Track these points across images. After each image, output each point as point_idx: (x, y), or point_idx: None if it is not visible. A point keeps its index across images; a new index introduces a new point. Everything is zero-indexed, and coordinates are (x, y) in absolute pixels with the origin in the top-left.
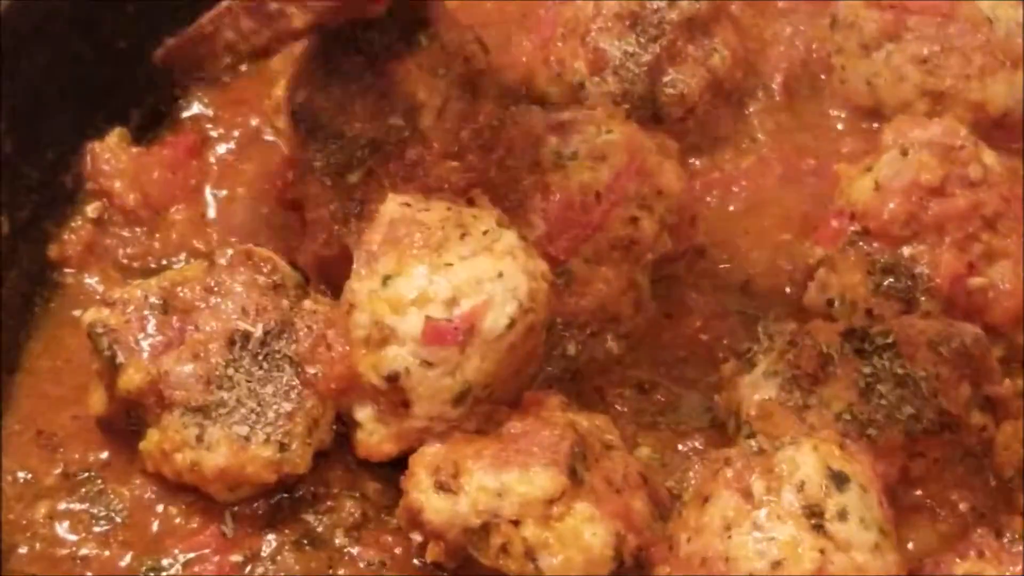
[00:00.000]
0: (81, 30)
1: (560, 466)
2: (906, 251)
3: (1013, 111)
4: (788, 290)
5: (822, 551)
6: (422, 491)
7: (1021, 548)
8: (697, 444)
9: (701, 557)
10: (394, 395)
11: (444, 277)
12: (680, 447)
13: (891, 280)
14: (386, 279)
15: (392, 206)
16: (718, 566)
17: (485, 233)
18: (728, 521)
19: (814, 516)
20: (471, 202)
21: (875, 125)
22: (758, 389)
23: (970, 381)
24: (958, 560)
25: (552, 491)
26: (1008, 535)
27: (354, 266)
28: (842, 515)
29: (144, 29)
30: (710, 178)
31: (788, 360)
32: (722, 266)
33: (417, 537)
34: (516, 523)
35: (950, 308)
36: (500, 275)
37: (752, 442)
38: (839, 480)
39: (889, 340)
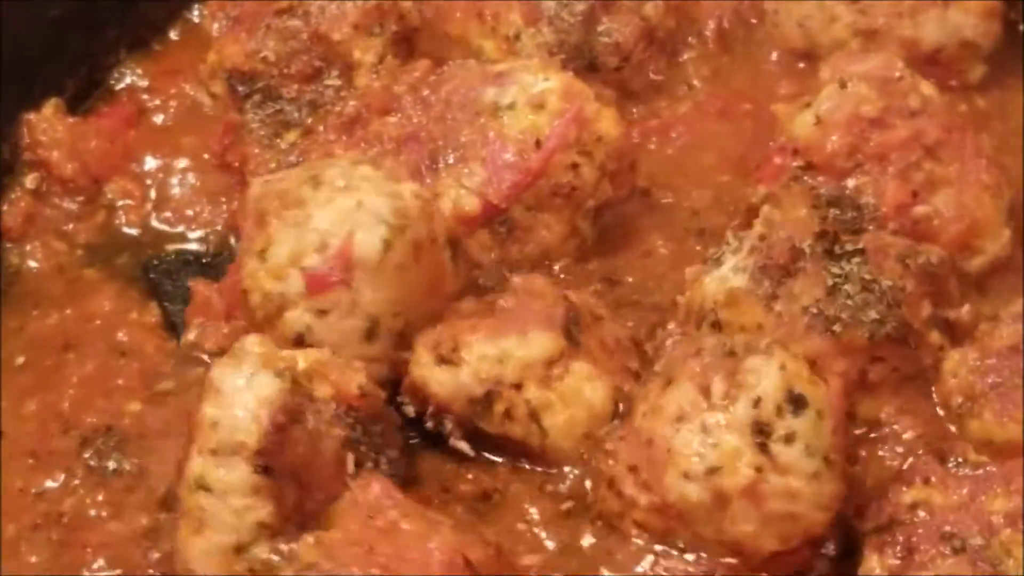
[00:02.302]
0: (13, 1)
1: (556, 329)
2: (850, 183)
3: (945, 47)
4: (736, 223)
5: (759, 469)
6: (424, 366)
7: (967, 472)
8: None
9: (649, 437)
10: None
11: (308, 228)
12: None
13: (836, 212)
14: (262, 253)
15: (254, 188)
16: (660, 452)
17: (340, 175)
18: (682, 413)
19: (761, 434)
20: None
21: (807, 66)
22: (727, 281)
23: (931, 300)
24: (904, 488)
25: (551, 352)
26: (952, 460)
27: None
28: (789, 438)
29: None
30: (647, 125)
31: (760, 251)
32: (665, 201)
33: (410, 411)
34: (518, 387)
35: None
36: (359, 204)
37: (726, 341)
38: (797, 403)
39: (859, 247)
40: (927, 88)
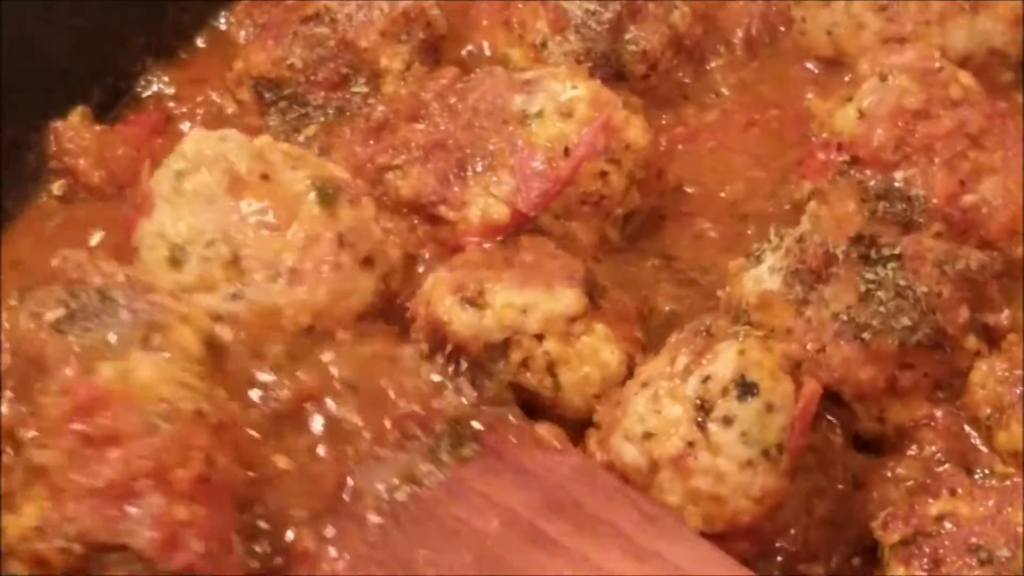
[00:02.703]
0: (38, 8)
1: (580, 287)
2: (898, 175)
3: (975, 55)
4: (771, 210)
5: (690, 443)
6: (448, 307)
7: (994, 483)
8: None
9: (622, 398)
10: None
11: None
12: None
13: (886, 205)
14: None
15: None
16: (619, 411)
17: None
18: (647, 379)
19: (701, 410)
20: None
21: (834, 73)
22: (761, 282)
23: (970, 305)
24: (930, 499)
25: (576, 308)
26: (979, 471)
27: None
28: (727, 421)
29: (102, 8)
30: (675, 133)
31: (794, 254)
32: (699, 193)
33: (424, 348)
34: (539, 338)
35: (948, 227)
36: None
37: (708, 320)
38: (745, 389)
39: (896, 251)
40: (966, 77)
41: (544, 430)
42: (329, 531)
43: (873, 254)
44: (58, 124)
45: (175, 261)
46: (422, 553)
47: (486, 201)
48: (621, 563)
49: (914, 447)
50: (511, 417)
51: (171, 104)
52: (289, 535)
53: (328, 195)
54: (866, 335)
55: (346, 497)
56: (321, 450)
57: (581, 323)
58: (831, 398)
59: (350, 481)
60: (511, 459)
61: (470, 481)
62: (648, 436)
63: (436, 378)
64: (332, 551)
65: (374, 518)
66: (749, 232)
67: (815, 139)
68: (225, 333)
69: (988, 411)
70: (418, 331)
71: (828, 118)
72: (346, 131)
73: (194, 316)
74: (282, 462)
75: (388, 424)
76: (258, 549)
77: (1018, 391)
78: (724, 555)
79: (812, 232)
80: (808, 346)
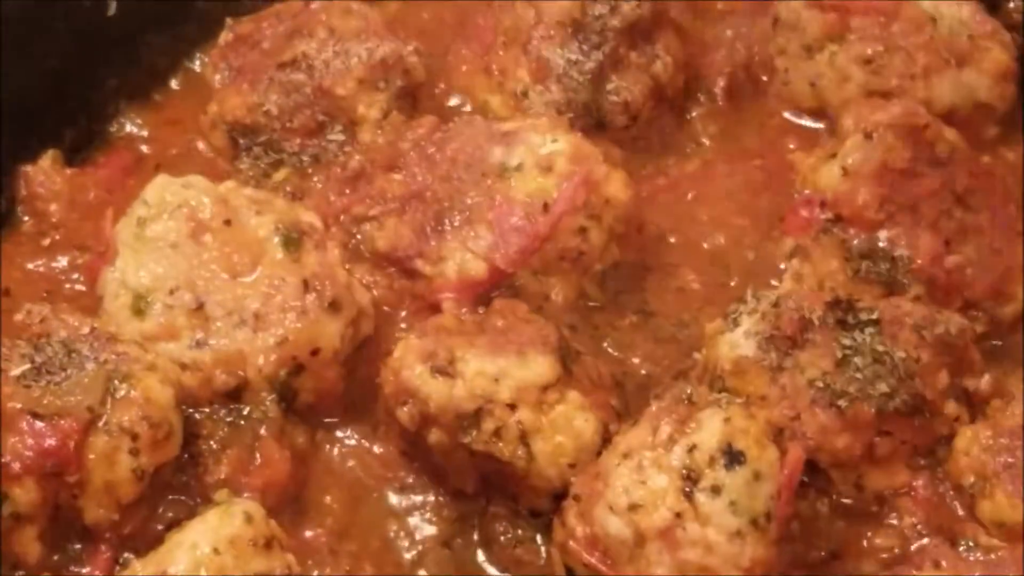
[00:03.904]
0: (12, 52)
1: (553, 354)
2: (882, 235)
3: (959, 109)
4: (754, 260)
5: (678, 514)
6: (418, 376)
7: (978, 556)
8: None
9: (598, 470)
10: None
11: None
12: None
13: (869, 264)
14: None
15: None
16: (600, 483)
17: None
18: (629, 449)
19: (688, 480)
20: None
21: (816, 125)
22: (737, 347)
23: (949, 370)
24: (914, 572)
25: (549, 377)
26: (963, 543)
27: None
28: (715, 490)
29: (76, 49)
30: (655, 184)
31: (768, 320)
32: (680, 243)
33: (404, 417)
34: (512, 407)
35: (932, 288)
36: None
37: (689, 388)
38: (732, 458)
39: (873, 316)
40: (951, 134)
41: None
42: None
43: (850, 319)
44: (28, 168)
45: (139, 309)
46: None
47: (463, 256)
48: None
49: (893, 516)
50: None
51: (143, 146)
52: None
53: (292, 239)
54: (842, 402)
55: None
56: None
57: (554, 391)
58: (809, 465)
59: None
60: None
61: None
62: (634, 507)
63: None
64: None
65: None
66: (732, 284)
67: (798, 195)
68: None
69: (972, 479)
70: (388, 399)
71: (811, 174)
72: (320, 179)
73: (160, 365)
74: None
75: None
76: None
77: (1002, 460)
78: None
79: (787, 297)
80: (783, 413)
